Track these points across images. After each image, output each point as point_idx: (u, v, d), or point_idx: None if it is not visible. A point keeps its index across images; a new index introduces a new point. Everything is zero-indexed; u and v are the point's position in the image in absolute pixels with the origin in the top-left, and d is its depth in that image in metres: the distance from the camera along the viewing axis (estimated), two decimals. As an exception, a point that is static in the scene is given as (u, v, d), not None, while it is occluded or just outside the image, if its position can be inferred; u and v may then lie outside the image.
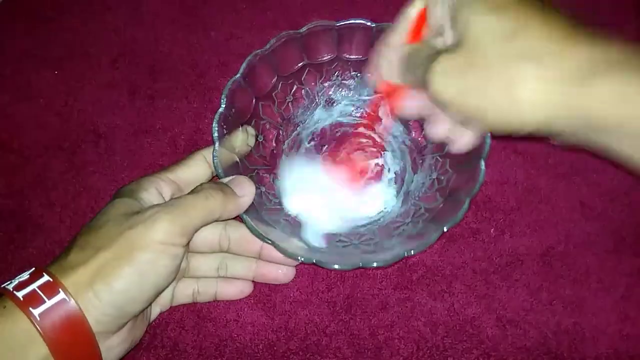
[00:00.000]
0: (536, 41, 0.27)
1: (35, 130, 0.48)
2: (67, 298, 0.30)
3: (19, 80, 0.50)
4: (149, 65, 0.50)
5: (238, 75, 0.40)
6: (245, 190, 0.37)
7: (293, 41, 0.42)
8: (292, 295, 0.42)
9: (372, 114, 0.43)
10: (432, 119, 0.35)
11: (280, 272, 0.40)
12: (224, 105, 0.39)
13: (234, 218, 0.37)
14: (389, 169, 0.44)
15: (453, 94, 0.29)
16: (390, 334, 0.40)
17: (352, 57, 0.44)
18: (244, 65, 0.40)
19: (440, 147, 0.42)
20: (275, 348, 0.40)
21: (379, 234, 0.41)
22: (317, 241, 0.40)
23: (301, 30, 0.42)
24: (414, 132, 0.45)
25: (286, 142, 0.45)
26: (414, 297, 0.41)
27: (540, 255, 0.42)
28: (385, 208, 0.43)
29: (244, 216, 0.37)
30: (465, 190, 0.37)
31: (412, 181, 0.43)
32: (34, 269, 0.31)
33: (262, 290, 0.42)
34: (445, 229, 0.35)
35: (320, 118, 0.46)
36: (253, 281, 0.41)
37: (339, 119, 0.46)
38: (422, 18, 0.33)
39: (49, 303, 0.30)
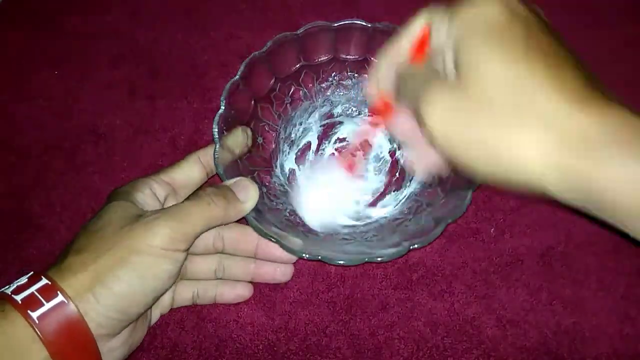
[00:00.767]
0: (544, 98, 0.24)
1: (35, 130, 0.48)
2: (65, 301, 0.30)
3: (19, 80, 0.50)
4: (149, 65, 0.50)
5: (236, 77, 0.40)
6: (248, 195, 0.37)
7: (290, 43, 0.42)
8: (292, 295, 0.42)
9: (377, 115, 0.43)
10: (416, 146, 0.32)
11: (279, 272, 0.40)
12: (223, 107, 0.39)
13: None
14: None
15: (443, 131, 0.26)
16: (390, 334, 0.40)
17: (349, 57, 0.44)
18: (242, 67, 0.41)
19: None
20: (275, 348, 0.40)
21: (382, 231, 0.41)
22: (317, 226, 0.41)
23: (298, 32, 0.42)
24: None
25: (285, 143, 0.45)
26: (414, 297, 0.41)
27: (540, 255, 0.42)
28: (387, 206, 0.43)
29: (248, 215, 0.37)
30: (467, 184, 0.37)
31: (411, 177, 0.43)
32: (32, 272, 0.31)
33: (262, 291, 0.42)
34: (449, 221, 0.36)
35: (320, 119, 0.46)
36: (253, 282, 0.41)
37: (338, 119, 0.46)
38: (425, 37, 0.30)
39: (47, 306, 0.29)
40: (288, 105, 0.45)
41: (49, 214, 0.45)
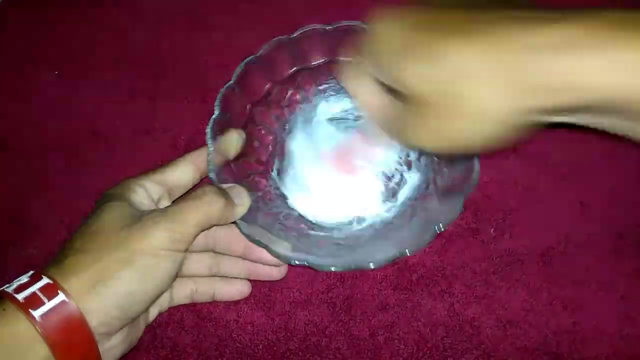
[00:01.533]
0: (471, 55, 0.25)
1: (35, 130, 0.48)
2: (67, 300, 0.30)
3: (19, 80, 0.50)
4: (149, 65, 0.50)
5: (231, 81, 0.40)
6: (242, 201, 0.37)
7: (284, 46, 0.42)
8: (292, 295, 0.42)
9: None
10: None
11: (274, 269, 0.40)
12: (217, 112, 0.39)
13: None
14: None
15: (434, 144, 0.30)
16: (390, 335, 0.40)
17: (346, 59, 0.44)
18: (236, 71, 0.41)
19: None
20: (275, 348, 0.40)
21: (375, 236, 0.41)
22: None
23: (292, 35, 0.42)
24: None
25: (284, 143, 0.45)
26: (413, 298, 0.41)
27: (540, 255, 0.42)
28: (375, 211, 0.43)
29: (238, 221, 0.37)
30: (460, 190, 0.37)
31: (406, 182, 0.43)
32: (32, 272, 0.32)
33: (262, 291, 0.42)
34: (441, 229, 0.35)
35: (319, 120, 0.46)
36: (252, 281, 0.41)
37: (338, 120, 0.46)
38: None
39: (49, 305, 0.30)
40: (285, 108, 0.45)
41: (49, 214, 0.45)
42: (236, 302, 0.41)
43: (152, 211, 0.34)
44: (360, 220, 0.43)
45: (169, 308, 0.40)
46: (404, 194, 0.43)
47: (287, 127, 0.45)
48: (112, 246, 0.32)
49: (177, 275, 0.35)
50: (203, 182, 0.40)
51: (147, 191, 0.37)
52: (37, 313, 0.29)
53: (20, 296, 0.30)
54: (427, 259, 0.42)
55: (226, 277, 0.41)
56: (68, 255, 0.32)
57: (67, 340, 0.30)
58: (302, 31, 0.42)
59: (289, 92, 0.45)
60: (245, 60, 0.41)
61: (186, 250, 0.34)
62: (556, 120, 0.27)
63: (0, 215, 0.45)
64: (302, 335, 0.41)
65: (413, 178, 0.43)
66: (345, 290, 0.42)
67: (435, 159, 0.42)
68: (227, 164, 0.40)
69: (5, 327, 0.29)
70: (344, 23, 0.42)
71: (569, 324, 0.40)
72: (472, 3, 0.27)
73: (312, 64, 0.44)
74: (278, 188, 0.44)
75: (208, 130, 0.39)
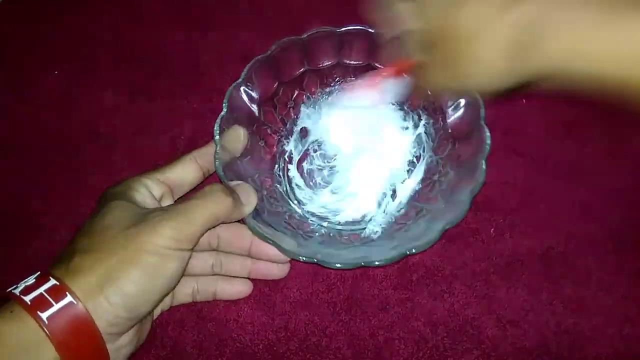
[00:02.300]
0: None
1: (35, 130, 0.48)
2: (74, 301, 0.30)
3: (19, 80, 0.50)
4: (149, 66, 0.50)
5: (239, 80, 0.40)
6: (249, 199, 0.37)
7: (294, 47, 0.42)
8: (292, 295, 0.42)
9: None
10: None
11: (275, 266, 0.40)
12: (225, 110, 0.39)
13: None
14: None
15: (445, 81, 0.35)
16: (390, 335, 0.40)
17: (352, 62, 0.44)
18: (245, 70, 0.41)
19: (442, 149, 0.42)
20: (275, 348, 0.40)
21: (381, 236, 0.41)
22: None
23: (302, 37, 0.42)
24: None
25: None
26: (414, 298, 0.41)
27: (540, 255, 0.42)
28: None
29: (246, 218, 0.37)
30: (466, 190, 0.37)
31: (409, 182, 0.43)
32: (39, 273, 0.31)
33: (262, 290, 0.42)
34: (446, 228, 0.35)
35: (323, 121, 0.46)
36: (253, 280, 0.41)
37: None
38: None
39: (56, 306, 0.29)
40: (291, 109, 0.45)
41: (49, 214, 0.45)
42: (236, 302, 0.41)
43: (156, 210, 0.34)
44: (365, 217, 0.43)
45: (170, 307, 0.40)
46: (407, 193, 0.43)
47: (292, 124, 0.45)
48: (119, 246, 0.31)
49: (183, 274, 0.35)
50: (207, 181, 0.40)
51: (149, 190, 0.36)
52: (44, 315, 0.29)
53: (28, 298, 0.30)
54: (427, 259, 0.42)
55: (228, 275, 0.41)
56: (74, 255, 0.32)
57: (75, 341, 0.30)
58: (312, 32, 0.42)
59: (295, 93, 0.45)
60: (253, 59, 0.41)
61: (192, 249, 0.34)
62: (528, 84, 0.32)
63: (1, 214, 0.45)
64: (302, 335, 0.41)
65: (417, 176, 0.43)
66: (345, 290, 0.42)
67: (440, 161, 0.42)
68: (233, 161, 0.40)
69: (13, 329, 0.29)
70: (354, 27, 0.42)
71: (569, 324, 0.40)
72: None
73: (320, 65, 0.44)
74: (282, 186, 0.44)
75: (215, 127, 0.39)
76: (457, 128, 0.42)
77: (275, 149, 0.44)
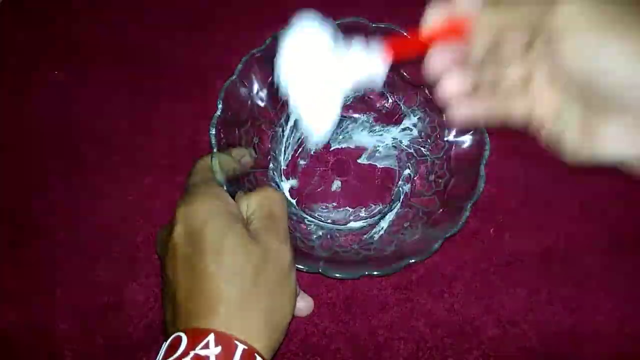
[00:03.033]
0: None
1: (35, 130, 0.48)
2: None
3: (19, 80, 0.50)
4: (149, 66, 0.50)
5: (234, 76, 0.40)
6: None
7: None
8: (292, 295, 0.42)
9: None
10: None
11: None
12: (220, 107, 0.39)
13: None
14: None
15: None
16: (390, 335, 0.40)
17: None
18: (240, 65, 0.40)
19: (437, 149, 0.42)
20: (275, 348, 0.40)
21: (379, 239, 0.41)
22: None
23: None
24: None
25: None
26: (413, 298, 0.41)
27: (540, 255, 0.42)
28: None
29: None
30: (465, 196, 0.37)
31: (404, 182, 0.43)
32: (217, 337, 0.27)
33: (262, 291, 0.42)
34: (445, 236, 0.35)
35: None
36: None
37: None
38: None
39: None
40: (286, 103, 0.45)
41: (49, 214, 0.45)
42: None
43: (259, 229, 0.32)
44: (358, 212, 0.42)
45: None
46: (402, 193, 0.43)
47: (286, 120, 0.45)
48: (263, 284, 0.29)
49: None
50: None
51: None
52: None
53: None
54: (427, 259, 0.42)
55: None
56: (231, 307, 0.28)
57: None
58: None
59: None
60: (248, 53, 0.40)
61: None
62: None
63: (1, 214, 0.45)
64: (302, 335, 0.40)
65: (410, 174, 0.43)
66: (345, 290, 0.42)
67: (437, 161, 0.42)
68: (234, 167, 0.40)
69: None
70: (349, 19, 0.41)
71: (569, 324, 0.40)
72: None
73: None
74: (279, 183, 0.44)
75: (212, 131, 0.38)
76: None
77: (269, 145, 0.44)
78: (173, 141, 0.47)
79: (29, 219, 0.45)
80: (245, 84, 0.41)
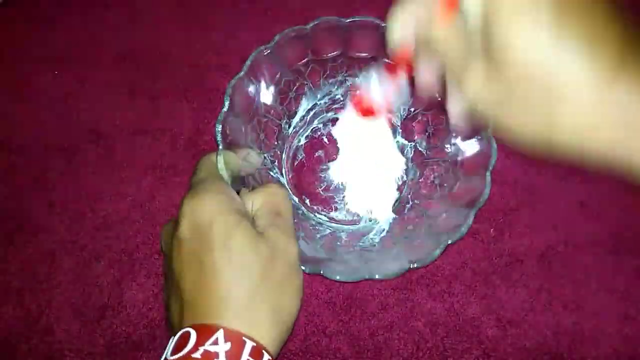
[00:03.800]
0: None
1: (35, 130, 0.48)
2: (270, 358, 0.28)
3: (19, 80, 0.50)
4: (149, 65, 0.50)
5: (242, 72, 0.39)
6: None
7: (299, 37, 0.41)
8: (292, 295, 0.42)
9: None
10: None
11: None
12: (227, 103, 0.38)
13: None
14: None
15: (490, 105, 0.25)
16: (390, 335, 0.40)
17: (357, 54, 0.44)
18: (248, 61, 0.39)
19: (443, 152, 0.42)
20: (275, 348, 0.40)
21: (381, 241, 0.41)
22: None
23: (308, 26, 0.41)
24: (416, 136, 0.44)
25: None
26: (413, 298, 0.41)
27: (540, 255, 0.42)
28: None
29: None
30: (470, 202, 0.36)
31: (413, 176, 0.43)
32: (221, 332, 0.28)
33: (262, 291, 0.42)
34: (449, 242, 0.35)
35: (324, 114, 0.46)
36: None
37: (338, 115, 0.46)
38: None
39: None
40: (292, 100, 0.45)
41: (49, 214, 0.45)
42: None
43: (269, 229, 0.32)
44: (365, 216, 0.43)
45: None
46: (408, 195, 0.43)
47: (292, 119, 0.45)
48: (271, 281, 0.30)
49: None
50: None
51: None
52: None
53: None
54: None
55: None
56: (239, 304, 0.29)
57: None
58: (316, 22, 0.40)
59: (297, 83, 0.44)
60: (257, 50, 0.40)
61: None
62: None
63: (1, 214, 0.45)
64: (302, 335, 0.40)
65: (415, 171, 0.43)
66: (345, 290, 0.42)
67: (442, 164, 0.42)
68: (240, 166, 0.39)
69: None
70: (359, 18, 0.40)
71: (569, 324, 0.40)
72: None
73: (324, 56, 0.43)
74: (284, 179, 0.44)
75: (218, 128, 0.37)
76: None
77: (275, 142, 0.44)
78: (173, 141, 0.47)
79: (28, 218, 0.45)
80: (253, 80, 0.41)
